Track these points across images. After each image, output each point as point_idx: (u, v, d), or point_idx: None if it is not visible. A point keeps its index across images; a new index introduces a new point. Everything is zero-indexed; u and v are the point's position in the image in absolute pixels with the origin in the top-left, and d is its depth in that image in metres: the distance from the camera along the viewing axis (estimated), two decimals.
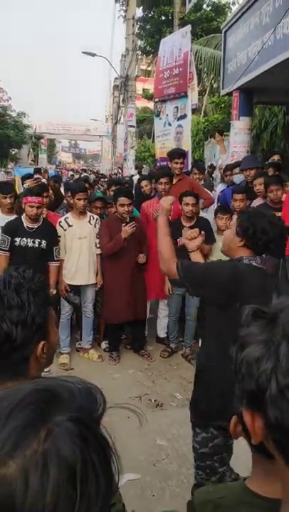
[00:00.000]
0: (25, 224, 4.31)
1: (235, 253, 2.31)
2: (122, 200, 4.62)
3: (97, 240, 4.84)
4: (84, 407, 0.53)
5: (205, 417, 2.40)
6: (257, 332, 0.62)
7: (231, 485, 0.83)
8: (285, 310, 0.61)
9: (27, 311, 1.09)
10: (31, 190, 4.45)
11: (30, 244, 4.30)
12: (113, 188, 5.78)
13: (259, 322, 0.63)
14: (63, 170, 30.57)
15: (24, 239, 4.29)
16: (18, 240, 4.29)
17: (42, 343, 1.14)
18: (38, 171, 6.49)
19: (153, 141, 18.45)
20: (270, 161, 6.46)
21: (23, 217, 4.36)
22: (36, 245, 4.32)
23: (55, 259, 4.54)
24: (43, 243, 4.36)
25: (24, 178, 5.97)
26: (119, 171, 21.38)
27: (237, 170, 6.13)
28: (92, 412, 0.54)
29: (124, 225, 4.55)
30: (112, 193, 5.61)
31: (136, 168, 13.96)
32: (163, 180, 5.03)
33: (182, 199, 4.75)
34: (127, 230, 4.52)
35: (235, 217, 2.51)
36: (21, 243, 4.29)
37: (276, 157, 6.71)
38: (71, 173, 26.80)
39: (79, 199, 4.69)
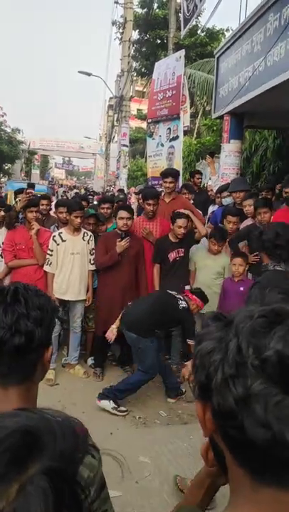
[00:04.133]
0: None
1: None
2: (121, 213, 4.70)
3: (91, 257, 4.90)
4: (64, 453, 0.51)
5: None
6: (213, 331, 0.67)
7: None
8: (240, 313, 0.66)
9: (46, 312, 1.13)
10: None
11: None
12: (103, 205, 5.84)
13: (217, 323, 0.68)
14: (55, 186, 30.66)
15: None
16: None
17: (50, 348, 1.19)
18: (30, 185, 6.56)
19: (146, 161, 18.67)
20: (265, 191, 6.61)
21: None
22: None
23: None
24: None
25: (17, 193, 6.03)
26: (111, 188, 21.52)
27: (225, 193, 6.25)
28: (72, 457, 0.52)
29: (119, 240, 4.61)
30: (102, 211, 5.69)
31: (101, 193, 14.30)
32: (151, 201, 5.11)
33: (175, 219, 4.84)
34: (121, 244, 4.59)
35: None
36: None
37: (278, 186, 6.79)
38: (62, 189, 26.91)
39: (76, 216, 4.77)
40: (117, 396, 4.23)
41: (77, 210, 4.78)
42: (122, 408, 4.27)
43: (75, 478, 0.51)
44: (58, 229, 5.25)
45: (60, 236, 4.82)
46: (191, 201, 6.43)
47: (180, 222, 4.82)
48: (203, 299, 4.36)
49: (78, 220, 4.77)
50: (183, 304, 4.16)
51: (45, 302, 1.14)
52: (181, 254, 4.99)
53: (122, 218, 4.67)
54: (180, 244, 4.97)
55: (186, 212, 4.96)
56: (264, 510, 0.61)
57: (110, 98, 31.28)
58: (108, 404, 4.21)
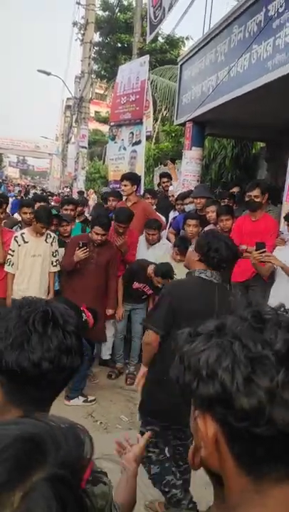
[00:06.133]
0: None
1: (193, 266, 2.64)
2: (97, 229, 4.62)
3: (54, 258, 4.81)
4: (68, 461, 0.50)
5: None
6: (201, 344, 0.68)
7: None
8: (229, 321, 0.68)
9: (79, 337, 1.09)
10: None
11: None
12: (67, 207, 5.77)
13: (199, 337, 0.69)
14: (10, 185, 29.95)
15: None
16: None
17: None
18: None
19: (104, 163, 18.61)
20: (230, 191, 6.76)
21: None
22: None
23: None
24: None
25: None
26: (67, 190, 21.31)
27: (188, 200, 6.33)
28: (76, 464, 0.51)
29: (77, 249, 4.55)
30: (65, 212, 5.62)
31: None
32: (122, 225, 5.04)
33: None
34: (78, 254, 4.53)
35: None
36: None
37: (236, 189, 6.98)
38: (18, 188, 26.37)
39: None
40: (80, 389, 4.47)
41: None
42: (91, 397, 4.57)
43: (79, 486, 0.51)
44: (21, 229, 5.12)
45: (23, 237, 4.71)
46: (154, 206, 6.48)
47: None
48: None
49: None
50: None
51: (77, 319, 1.10)
52: (146, 290, 5.01)
53: (98, 234, 4.62)
54: (149, 283, 4.95)
55: None
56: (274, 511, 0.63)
57: (68, 99, 30.99)
58: (78, 400, 4.45)
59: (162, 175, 8.19)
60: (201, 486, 2.69)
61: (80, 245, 4.55)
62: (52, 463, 0.48)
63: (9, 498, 0.44)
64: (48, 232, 4.84)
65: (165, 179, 7.91)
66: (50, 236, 4.83)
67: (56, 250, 4.85)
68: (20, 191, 22.08)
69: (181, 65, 8.39)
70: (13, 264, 4.65)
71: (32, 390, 1.01)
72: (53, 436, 0.51)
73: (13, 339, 0.98)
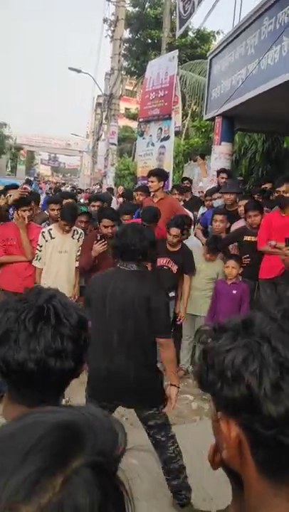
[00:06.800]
0: None
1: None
2: (105, 222, 4.62)
3: (78, 253, 4.83)
4: (105, 450, 0.50)
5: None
6: (227, 342, 0.65)
7: None
8: (257, 319, 0.65)
9: (83, 328, 1.05)
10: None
11: None
12: (94, 203, 5.81)
13: (225, 334, 0.66)
14: (41, 183, 30.42)
15: None
16: None
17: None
18: (28, 182, 6.47)
19: (133, 160, 18.64)
20: (262, 187, 6.67)
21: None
22: None
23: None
24: None
25: (7, 188, 5.92)
26: (97, 187, 21.45)
27: (216, 195, 6.26)
28: (112, 455, 0.50)
29: (95, 242, 4.55)
30: (92, 208, 5.65)
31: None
32: (139, 192, 5.04)
33: (168, 228, 4.82)
34: (96, 248, 4.52)
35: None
36: None
37: (268, 185, 6.88)
38: (49, 186, 26.74)
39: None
40: None
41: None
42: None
43: (116, 476, 0.50)
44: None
45: (50, 233, 4.76)
46: (182, 202, 6.44)
47: (173, 231, 4.80)
48: None
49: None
50: None
51: (82, 315, 1.05)
52: (171, 267, 4.90)
53: (107, 227, 4.62)
54: (175, 257, 4.91)
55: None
56: None
57: (99, 96, 31.16)
58: None
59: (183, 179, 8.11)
60: (219, 484, 2.65)
61: (98, 238, 4.55)
62: (90, 450, 0.48)
63: (51, 483, 0.44)
64: (76, 228, 4.87)
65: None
66: (77, 232, 4.86)
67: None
68: (50, 188, 22.37)
69: (210, 59, 8.29)
70: (40, 258, 4.70)
71: (25, 388, 0.99)
72: (89, 424, 0.51)
73: (2, 334, 0.96)
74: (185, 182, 8.02)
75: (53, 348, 0.95)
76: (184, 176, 13.01)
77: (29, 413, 0.53)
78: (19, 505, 0.42)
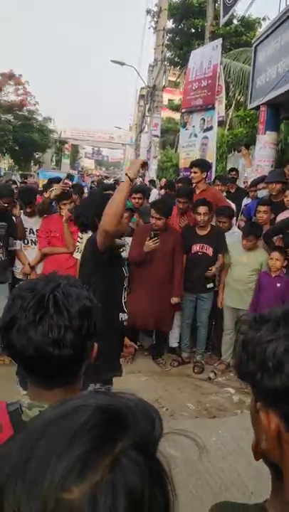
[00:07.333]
0: None
1: None
2: (152, 212, 4.66)
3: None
4: (146, 433, 0.51)
5: None
6: (268, 333, 0.65)
7: (251, 506, 0.82)
8: None
9: (89, 317, 1.06)
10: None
11: None
12: (134, 195, 5.82)
13: (266, 325, 0.66)
14: (85, 176, 30.81)
15: None
16: None
17: (95, 346, 1.13)
18: (68, 176, 6.58)
19: (176, 152, 18.52)
20: None
21: None
22: None
23: None
24: None
25: (52, 182, 6.04)
26: (140, 179, 21.48)
27: (261, 185, 6.12)
28: (151, 438, 0.51)
29: (148, 239, 4.56)
30: (133, 201, 5.67)
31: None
32: (181, 199, 5.11)
33: (196, 207, 4.78)
34: (148, 244, 4.53)
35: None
36: None
37: None
38: (91, 179, 27.02)
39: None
40: None
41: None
42: None
43: (157, 459, 0.51)
44: None
45: None
46: (224, 194, 6.34)
47: (200, 209, 4.75)
48: None
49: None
50: None
51: (86, 305, 1.05)
52: (205, 251, 4.87)
53: (153, 218, 4.63)
54: (207, 240, 4.87)
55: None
56: None
57: (142, 88, 31.10)
58: None
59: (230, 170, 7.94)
60: (259, 478, 2.62)
61: (152, 235, 4.55)
62: (132, 433, 0.49)
63: (100, 463, 0.45)
64: None
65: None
66: None
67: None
68: (93, 181, 22.61)
69: (255, 47, 8.11)
70: (81, 250, 4.77)
71: (30, 373, 1.04)
72: (130, 408, 0.52)
73: (9, 320, 1.00)
74: (232, 173, 7.89)
75: (50, 338, 0.98)
76: (227, 167, 12.81)
77: (70, 398, 0.54)
78: (71, 486, 0.44)
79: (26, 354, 0.99)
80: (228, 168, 13.18)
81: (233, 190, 7.28)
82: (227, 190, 6.93)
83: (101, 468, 0.45)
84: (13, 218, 4.76)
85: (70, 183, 5.64)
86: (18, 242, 4.94)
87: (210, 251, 4.85)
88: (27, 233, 5.00)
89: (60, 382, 1.05)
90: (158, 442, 0.52)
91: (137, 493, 0.45)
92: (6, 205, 4.58)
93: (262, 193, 6.02)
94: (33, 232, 5.01)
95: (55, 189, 4.88)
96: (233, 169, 8.18)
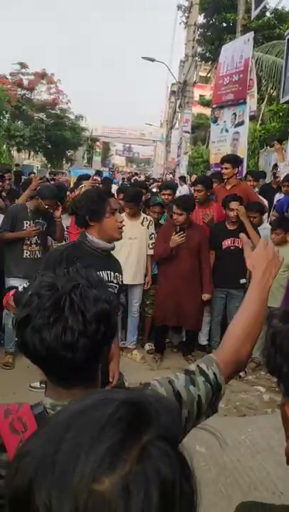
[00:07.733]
0: None
1: None
2: (174, 208, 4.64)
3: (150, 241, 4.89)
4: (169, 427, 0.51)
5: None
6: None
7: (278, 507, 0.80)
8: None
9: (106, 321, 1.04)
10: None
11: None
12: (164, 191, 5.81)
13: None
14: (116, 173, 31.00)
15: None
16: None
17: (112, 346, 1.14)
18: (97, 173, 6.62)
19: (207, 147, 18.37)
20: None
21: None
22: None
23: None
24: None
25: (81, 179, 6.10)
26: (170, 176, 21.46)
27: None
28: (174, 432, 0.52)
29: (173, 234, 4.55)
30: (162, 197, 5.66)
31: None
32: (198, 187, 5.07)
33: (227, 203, 4.73)
34: (174, 239, 4.52)
35: None
36: None
37: None
38: (122, 176, 27.16)
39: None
40: None
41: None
42: None
43: (184, 454, 0.51)
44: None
45: None
46: (256, 189, 6.25)
47: (232, 204, 4.68)
48: None
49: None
50: None
51: (103, 308, 1.02)
52: (237, 245, 4.81)
53: (175, 213, 4.61)
54: (238, 234, 4.79)
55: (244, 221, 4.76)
56: None
57: (173, 84, 30.99)
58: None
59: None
60: (287, 477, 2.58)
61: (178, 230, 4.53)
62: (156, 426, 0.50)
63: (129, 454, 0.46)
64: (145, 215, 4.93)
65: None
66: (147, 219, 4.93)
67: (153, 233, 4.92)
68: (123, 178, 22.73)
69: (288, 39, 7.93)
70: None
71: (46, 372, 1.04)
72: (151, 403, 0.53)
73: (24, 317, 1.00)
74: (275, 169, 7.74)
75: (62, 341, 0.97)
76: (259, 163, 12.63)
77: (93, 392, 0.55)
78: (102, 477, 0.44)
79: (39, 354, 0.99)
80: (260, 164, 13.00)
81: (275, 186, 7.15)
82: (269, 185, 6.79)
83: (130, 459, 0.46)
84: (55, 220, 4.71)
85: (99, 179, 5.68)
86: (49, 238, 5.00)
87: (241, 244, 4.80)
88: None
89: (77, 383, 1.04)
90: (179, 436, 0.53)
91: (169, 483, 0.45)
92: (46, 206, 4.54)
93: None
94: (64, 230, 5.07)
95: (85, 186, 4.93)
96: (275, 165, 8.05)
